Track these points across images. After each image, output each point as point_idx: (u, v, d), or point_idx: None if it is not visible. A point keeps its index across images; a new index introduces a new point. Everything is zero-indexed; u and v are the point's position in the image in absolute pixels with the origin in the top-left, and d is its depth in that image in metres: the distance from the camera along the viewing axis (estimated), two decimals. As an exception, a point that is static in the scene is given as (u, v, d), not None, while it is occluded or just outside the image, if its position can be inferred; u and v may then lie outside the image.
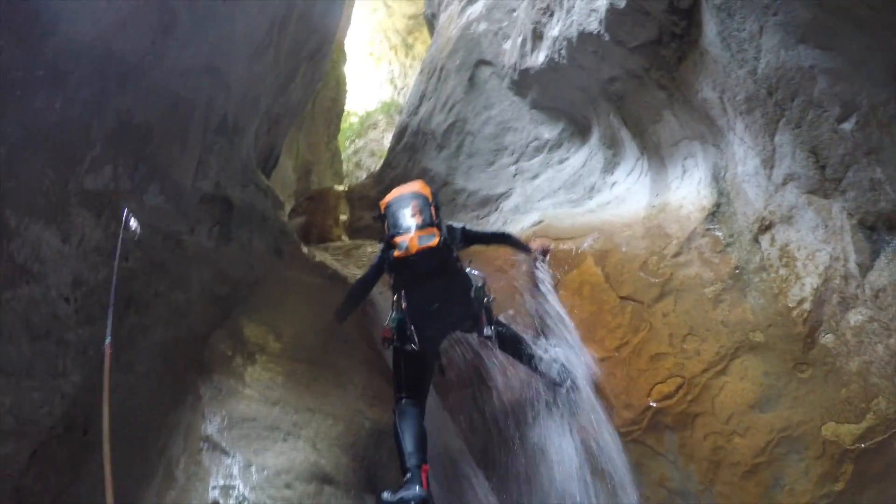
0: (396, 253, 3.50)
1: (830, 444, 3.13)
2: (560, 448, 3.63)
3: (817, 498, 3.11)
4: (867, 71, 2.95)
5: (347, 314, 3.88)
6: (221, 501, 2.66)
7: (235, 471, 2.79)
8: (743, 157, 3.67)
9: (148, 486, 2.77)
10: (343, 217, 7.47)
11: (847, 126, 3.06)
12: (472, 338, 3.98)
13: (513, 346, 3.83)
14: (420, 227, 3.54)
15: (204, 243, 3.79)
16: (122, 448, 2.92)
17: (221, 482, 2.74)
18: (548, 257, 4.36)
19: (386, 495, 2.99)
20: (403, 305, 3.54)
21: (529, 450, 3.70)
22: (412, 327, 3.47)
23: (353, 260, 5.48)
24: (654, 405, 3.59)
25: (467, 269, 3.74)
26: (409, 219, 3.60)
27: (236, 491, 2.70)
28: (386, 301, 4.34)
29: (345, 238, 7.02)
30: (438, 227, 3.62)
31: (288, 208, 7.62)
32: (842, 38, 2.95)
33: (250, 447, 2.93)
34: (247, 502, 2.67)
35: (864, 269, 3.15)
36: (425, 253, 3.49)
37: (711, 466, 3.39)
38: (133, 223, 2.91)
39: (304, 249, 5.05)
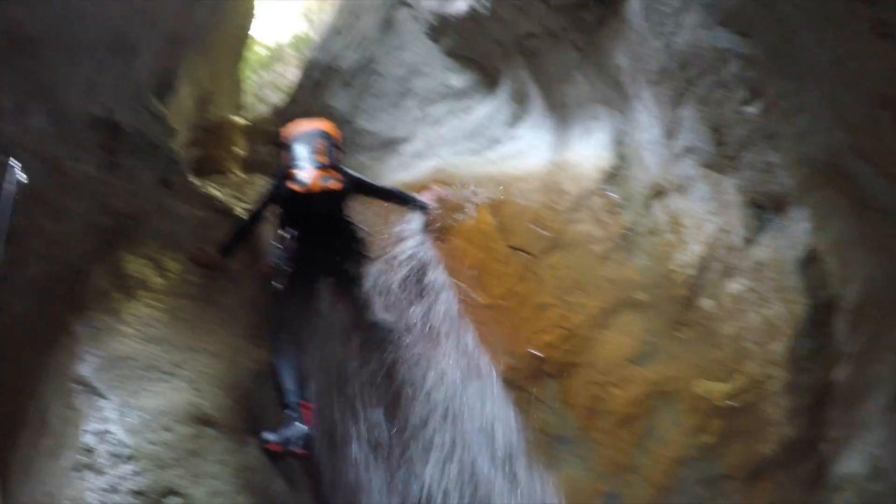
0: (296, 187, 3.38)
1: (701, 400, 3.34)
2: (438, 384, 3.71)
3: (687, 448, 3.33)
4: (779, 62, 3.06)
5: (233, 249, 3.73)
6: (96, 447, 2.52)
7: (111, 414, 2.64)
8: (646, 125, 3.76)
9: (23, 434, 2.59)
10: (240, 151, 7.13)
11: (751, 109, 3.18)
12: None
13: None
14: (323, 167, 3.44)
15: (88, 171, 3.53)
16: None
17: (96, 426, 2.59)
18: (438, 202, 4.33)
19: (269, 435, 2.96)
20: (288, 244, 3.48)
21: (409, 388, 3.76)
22: (293, 265, 3.41)
23: (245, 195, 5.26)
24: (537, 353, 3.70)
25: (353, 221, 3.71)
26: (313, 156, 3.47)
27: (112, 435, 2.57)
28: (273, 235, 4.24)
29: (239, 173, 6.72)
30: (341, 171, 3.53)
31: (184, 138, 7.20)
32: (761, 27, 3.04)
33: (127, 388, 2.78)
34: (123, 447, 2.53)
35: (749, 242, 3.34)
36: (325, 194, 3.40)
37: (589, 414, 3.56)
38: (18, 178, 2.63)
39: (195, 182, 4.78)
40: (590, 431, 3.54)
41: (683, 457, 3.33)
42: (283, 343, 3.33)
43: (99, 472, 2.45)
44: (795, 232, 3.22)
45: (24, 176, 2.72)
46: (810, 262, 3.18)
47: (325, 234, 3.57)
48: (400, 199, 4.21)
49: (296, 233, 3.51)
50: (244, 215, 3.88)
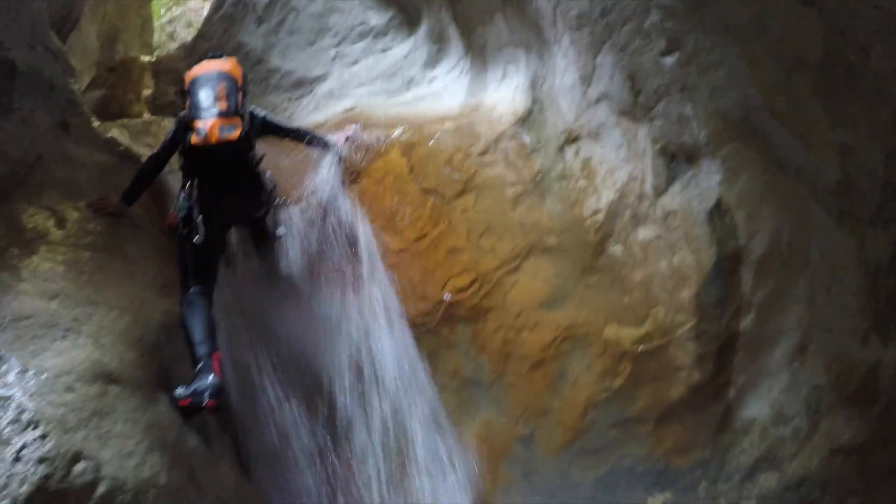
0: (194, 139, 3.23)
1: (611, 345, 3.48)
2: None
3: (598, 391, 3.48)
4: (700, 16, 3.10)
5: (136, 196, 3.55)
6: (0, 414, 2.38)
7: (11, 378, 2.48)
8: (563, 70, 3.75)
9: None
10: (147, 92, 6.74)
11: (669, 60, 3.23)
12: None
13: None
14: (223, 115, 3.27)
15: (-22, 115, 3.24)
16: None
17: (-3, 392, 2.44)
18: (350, 144, 4.25)
19: (180, 391, 2.90)
20: (194, 194, 3.34)
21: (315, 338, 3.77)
22: (200, 217, 3.29)
23: (150, 138, 5.01)
24: (449, 297, 3.75)
25: (261, 168, 3.59)
26: (213, 102, 3.29)
27: (13, 401, 2.42)
28: (178, 183, 4.08)
29: (146, 114, 6.37)
30: (242, 116, 3.36)
31: (88, 80, 6.75)
32: (685, -19, 3.05)
33: (26, 349, 2.62)
34: (26, 412, 2.40)
35: (659, 191, 3.43)
36: (224, 145, 3.26)
37: (502, 358, 3.66)
38: None
39: (96, 124, 4.50)
40: (504, 375, 3.64)
41: (595, 400, 3.48)
42: (193, 295, 3.24)
43: (3, 441, 2.32)
44: (705, 183, 3.32)
45: None
46: (719, 213, 3.30)
47: (231, 184, 3.44)
48: (311, 140, 4.09)
49: (203, 184, 3.36)
50: (146, 161, 3.67)
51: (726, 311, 3.34)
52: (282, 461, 3.40)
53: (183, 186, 3.44)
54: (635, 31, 3.28)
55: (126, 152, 4.21)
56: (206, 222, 3.30)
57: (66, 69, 4.39)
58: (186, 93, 3.39)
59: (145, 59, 7.43)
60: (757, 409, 3.39)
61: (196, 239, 3.27)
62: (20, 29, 3.65)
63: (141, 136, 4.93)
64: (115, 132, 4.58)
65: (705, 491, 3.40)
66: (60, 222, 3.29)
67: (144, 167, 3.61)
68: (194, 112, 3.29)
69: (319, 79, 5.21)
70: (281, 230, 3.75)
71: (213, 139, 3.22)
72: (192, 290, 3.25)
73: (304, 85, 5.27)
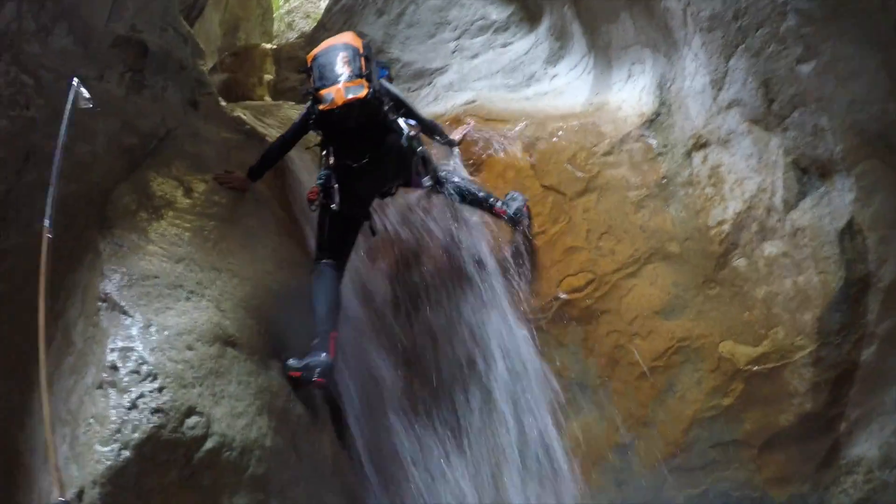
0: (322, 106, 3.26)
1: (725, 362, 3.33)
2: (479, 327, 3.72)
3: (706, 408, 3.35)
4: (839, 23, 2.96)
5: (262, 173, 3.65)
6: (120, 364, 2.50)
7: (134, 332, 2.62)
8: (693, 72, 3.62)
9: (46, 352, 2.59)
10: (268, 77, 7.01)
11: (805, 68, 3.08)
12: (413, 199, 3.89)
13: (460, 191, 3.80)
14: (348, 79, 3.27)
15: (114, 91, 3.46)
16: (20, 315, 2.74)
17: (120, 344, 2.56)
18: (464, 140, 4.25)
19: (292, 361, 2.98)
20: (331, 161, 3.37)
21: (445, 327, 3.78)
22: (337, 185, 3.31)
23: (273, 119, 5.17)
24: (563, 296, 3.70)
25: (399, 120, 3.53)
26: (336, 70, 3.31)
27: (135, 353, 2.55)
28: (304, 163, 4.18)
29: (267, 98, 6.62)
30: (368, 78, 3.35)
31: (211, 64, 7.09)
32: (824, -17, 2.91)
33: (151, 306, 2.75)
34: (146, 365, 2.52)
35: (789, 206, 3.26)
36: (353, 105, 3.24)
37: (610, 363, 3.58)
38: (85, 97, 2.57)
39: (223, 104, 4.70)
40: (610, 381, 3.57)
41: (701, 417, 3.36)
42: (324, 266, 3.30)
43: (121, 389, 2.45)
44: (838, 201, 3.14)
45: (87, 93, 2.66)
46: (850, 234, 3.13)
47: (367, 146, 3.41)
48: (434, 130, 4.04)
49: (339, 150, 3.39)
50: (274, 139, 3.78)
51: (848, 340, 3.15)
52: (385, 444, 3.44)
53: (321, 157, 3.48)
54: (770, 36, 3.14)
55: (251, 131, 4.37)
56: (342, 190, 3.32)
57: (195, 51, 4.61)
58: (309, 70, 3.43)
59: (267, 46, 7.72)
60: (866, 448, 3.20)
61: (333, 206, 3.29)
62: (152, 13, 3.86)
63: (264, 117, 5.10)
64: (241, 112, 4.76)
65: (798, 528, 3.23)
66: (188, 192, 3.45)
67: (272, 146, 3.72)
68: (319, 83, 3.32)
69: (439, 71, 5.25)
70: (426, 181, 3.65)
71: (340, 101, 3.21)
72: (323, 260, 3.32)
73: (423, 76, 5.32)
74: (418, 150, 3.55)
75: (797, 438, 3.26)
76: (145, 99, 3.73)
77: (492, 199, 3.84)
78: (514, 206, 3.81)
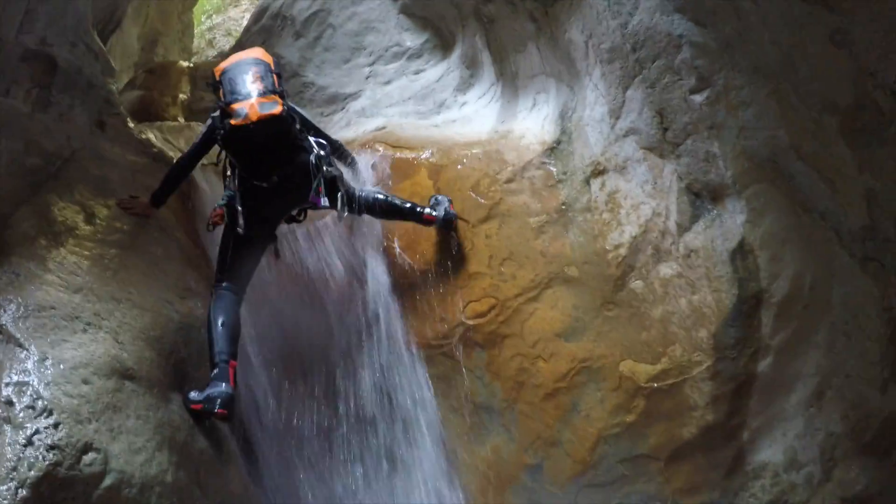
0: (234, 121, 3.17)
1: (626, 380, 3.43)
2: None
3: (610, 426, 3.43)
4: (731, 55, 3.13)
5: (165, 198, 3.54)
6: (15, 399, 2.41)
7: (30, 365, 2.53)
8: (593, 102, 3.77)
9: None
10: (183, 96, 6.87)
11: (698, 98, 3.25)
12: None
13: (383, 206, 3.77)
14: (261, 94, 3.22)
15: (18, 107, 3.36)
16: None
17: (15, 378, 2.47)
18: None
19: (193, 394, 2.92)
20: (236, 183, 3.28)
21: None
22: (241, 207, 3.23)
23: (183, 141, 5.08)
24: (467, 322, 3.75)
25: (309, 139, 3.49)
26: (248, 85, 3.24)
27: (30, 388, 2.46)
28: (211, 185, 4.12)
29: (181, 118, 6.48)
30: (281, 95, 3.32)
31: (126, 80, 6.90)
32: (717, 18, 3.09)
33: (47, 338, 2.67)
34: (41, 399, 2.44)
35: (682, 229, 3.42)
36: (267, 121, 3.18)
37: (516, 386, 3.63)
38: None
39: (131, 125, 4.59)
40: (516, 403, 3.62)
41: (606, 434, 3.44)
42: (224, 289, 3.22)
43: (17, 426, 2.35)
44: (729, 223, 3.30)
45: None
46: (741, 253, 3.27)
47: (278, 166, 3.34)
48: (342, 153, 4.03)
49: (247, 170, 3.30)
50: (175, 163, 3.67)
51: (744, 353, 3.30)
52: (290, 471, 3.40)
53: (225, 177, 3.38)
54: (666, 67, 3.30)
55: (159, 154, 4.30)
56: (247, 213, 3.25)
57: (106, 69, 4.50)
58: (218, 84, 3.35)
59: (184, 63, 7.57)
60: (770, 453, 3.34)
61: (238, 229, 3.21)
62: (64, 27, 3.75)
63: (175, 139, 5.02)
64: (150, 133, 4.67)
65: (712, 534, 3.34)
66: (90, 218, 3.36)
67: (172, 169, 3.61)
68: (230, 97, 3.24)
69: (352, 96, 5.29)
70: (325, 201, 3.50)
71: (255, 116, 3.15)
72: (224, 284, 3.24)
73: (337, 101, 5.35)
74: (326, 169, 3.48)
75: (702, 449, 3.37)
76: (51, 117, 3.63)
77: (418, 208, 3.81)
78: (442, 208, 3.81)
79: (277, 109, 3.23)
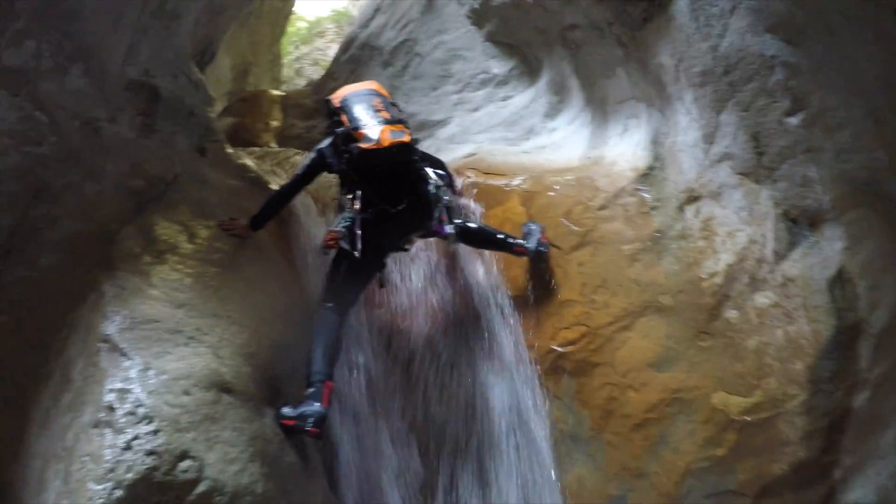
0: (363, 145, 3.21)
1: (718, 412, 3.31)
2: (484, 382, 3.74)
3: (699, 459, 3.31)
4: (826, 74, 3.04)
5: (265, 222, 3.64)
6: (117, 405, 2.54)
7: (133, 374, 2.66)
8: (685, 127, 3.71)
9: (45, 388, 2.62)
10: (275, 123, 7.16)
11: (793, 121, 3.15)
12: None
13: (479, 236, 3.83)
14: (389, 122, 3.29)
15: (124, 133, 3.55)
16: (21, 348, 2.80)
17: (118, 385, 2.60)
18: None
19: (286, 410, 2.97)
20: (357, 206, 3.28)
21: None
22: (360, 231, 3.23)
23: (278, 167, 5.27)
24: (558, 349, 3.71)
25: (427, 169, 3.53)
26: (374, 113, 3.31)
27: (132, 395, 2.58)
28: (306, 210, 4.23)
29: (273, 145, 6.74)
30: (406, 125, 3.39)
31: (220, 108, 7.25)
32: (809, 37, 3.02)
33: (150, 350, 2.80)
34: (142, 407, 2.56)
35: (779, 256, 3.30)
36: (397, 148, 3.23)
37: (604, 415, 3.56)
38: None
39: (229, 150, 4.80)
40: (603, 432, 3.54)
41: (694, 468, 3.31)
42: (328, 311, 3.26)
43: (117, 430, 2.48)
44: (827, 250, 3.17)
45: None
46: (840, 282, 3.14)
47: (402, 193, 3.36)
48: (447, 174, 4.01)
49: (371, 195, 3.31)
50: (279, 187, 3.78)
51: (840, 387, 3.14)
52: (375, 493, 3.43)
53: (346, 200, 3.37)
54: (759, 90, 3.23)
55: (256, 178, 4.46)
56: (371, 237, 3.26)
57: (205, 98, 4.73)
58: (338, 111, 3.41)
59: (275, 92, 7.89)
60: (862, 493, 3.15)
61: (356, 253, 3.21)
62: (164, 59, 3.96)
63: (269, 164, 5.21)
64: (247, 159, 4.86)
65: (798, 577, 3.17)
66: (191, 237, 3.51)
67: (275, 195, 3.71)
68: (356, 123, 3.28)
69: (441, 123, 5.38)
70: (449, 228, 3.52)
71: (387, 142, 3.19)
72: (329, 305, 3.27)
73: (426, 128, 5.45)
74: (444, 199, 3.51)
75: (792, 486, 3.22)
76: (155, 143, 3.82)
77: (510, 239, 3.84)
78: (534, 239, 3.82)
79: (407, 138, 3.29)
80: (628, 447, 3.46)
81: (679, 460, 3.34)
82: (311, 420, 2.91)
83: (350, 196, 3.34)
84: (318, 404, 2.95)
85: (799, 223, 3.26)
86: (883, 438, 3.15)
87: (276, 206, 3.68)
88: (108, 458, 2.40)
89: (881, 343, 3.09)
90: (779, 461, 3.21)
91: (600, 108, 4.47)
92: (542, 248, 3.82)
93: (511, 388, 3.72)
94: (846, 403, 3.14)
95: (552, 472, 3.59)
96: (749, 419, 3.25)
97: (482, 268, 4.08)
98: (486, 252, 4.09)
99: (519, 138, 4.93)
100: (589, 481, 3.53)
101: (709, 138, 3.54)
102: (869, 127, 3.01)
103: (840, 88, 3.01)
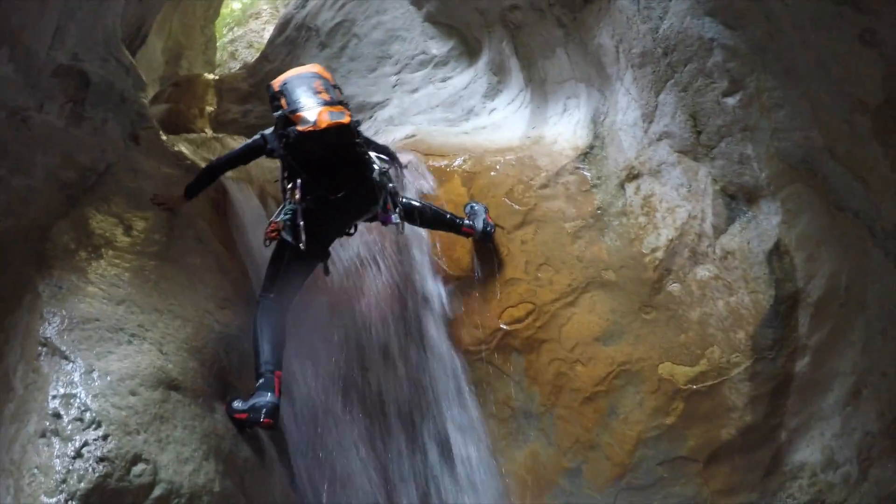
0: (301, 127, 3.13)
1: (665, 382, 3.43)
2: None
3: (649, 428, 3.43)
4: (763, 57, 3.13)
5: (200, 190, 3.57)
6: (63, 412, 2.44)
7: (76, 377, 2.55)
8: (625, 107, 3.77)
9: None
10: (210, 108, 6.94)
11: (731, 101, 3.24)
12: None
13: (427, 217, 3.80)
14: (328, 104, 3.23)
15: (53, 122, 3.37)
16: None
17: (62, 391, 2.50)
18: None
19: (237, 404, 2.93)
20: (297, 196, 3.22)
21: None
22: (302, 222, 3.18)
23: (213, 153, 5.12)
24: (504, 328, 3.76)
25: (370, 154, 3.49)
26: (314, 95, 3.25)
27: (78, 400, 2.48)
28: (246, 198, 4.15)
29: (208, 130, 6.55)
30: (347, 106, 3.32)
31: (153, 94, 6.99)
32: (748, 21, 3.10)
33: (92, 350, 2.69)
34: (89, 412, 2.46)
35: (719, 231, 3.41)
36: (335, 130, 3.16)
37: (554, 390, 3.63)
38: None
39: (164, 137, 4.64)
40: (555, 408, 3.62)
41: (645, 437, 3.42)
42: (270, 301, 3.21)
43: (65, 438, 2.39)
44: (765, 224, 3.29)
45: None
46: (778, 254, 3.26)
47: (343, 179, 3.31)
48: (392, 156, 4.09)
49: (311, 183, 3.26)
50: (218, 158, 3.69)
51: (781, 353, 3.29)
52: (330, 477, 3.42)
53: (286, 190, 3.33)
54: (698, 71, 3.30)
55: (192, 166, 4.32)
56: (314, 226, 3.22)
57: (137, 83, 4.53)
58: (278, 94, 3.35)
59: (209, 76, 7.65)
60: (808, 453, 3.32)
61: (301, 245, 3.17)
62: (95, 42, 3.77)
63: (205, 150, 5.06)
64: (181, 146, 4.71)
65: (751, 535, 3.32)
66: (127, 230, 3.39)
67: (209, 166, 3.62)
68: (294, 106, 3.22)
69: (380, 105, 5.33)
70: (395, 218, 3.49)
71: (324, 123, 3.13)
72: (271, 296, 3.22)
73: (364, 110, 5.39)
74: (388, 185, 3.48)
75: (741, 450, 3.36)
76: (85, 132, 3.64)
77: (458, 220, 3.85)
78: (480, 220, 3.84)
79: (346, 119, 3.23)
80: (580, 420, 3.55)
81: (630, 430, 3.44)
82: (263, 411, 2.86)
83: (290, 185, 3.30)
84: (270, 394, 2.91)
85: (737, 199, 3.37)
86: (825, 401, 3.31)
87: (209, 176, 3.62)
88: (59, 468, 2.32)
89: (818, 311, 3.24)
90: (727, 426, 3.34)
91: (540, 89, 4.50)
92: (489, 229, 3.85)
93: (447, 369, 3.77)
94: (788, 369, 3.28)
95: (488, 451, 3.67)
96: (695, 387, 3.36)
97: (419, 251, 4.08)
98: (424, 234, 4.07)
99: (459, 119, 4.93)
100: (543, 456, 3.61)
101: (648, 117, 3.61)
102: (805, 108, 3.11)
103: (777, 71, 3.10)
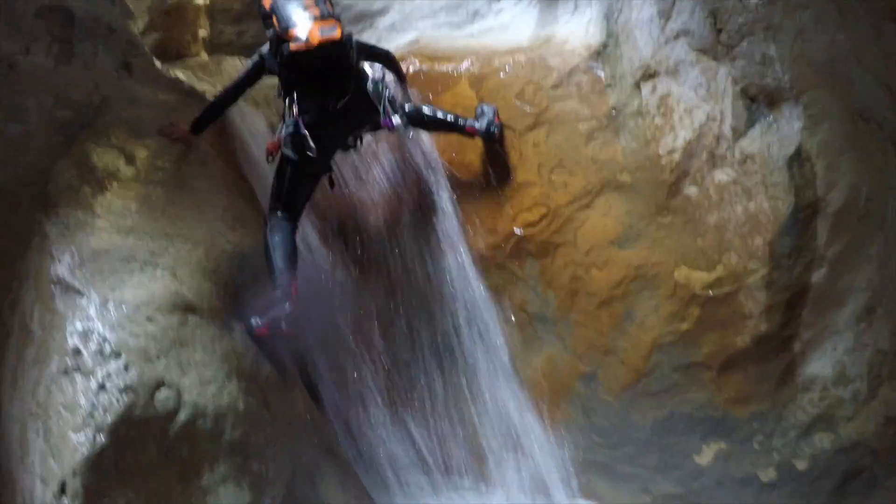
0: (293, 46, 3.12)
1: (681, 287, 3.40)
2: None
3: (665, 333, 3.42)
4: (789, -48, 2.93)
5: (206, 125, 3.54)
6: (82, 347, 2.46)
7: (92, 311, 2.56)
8: (640, 3, 3.58)
9: (6, 347, 2.51)
10: (203, 33, 6.70)
11: (753, -1, 3.05)
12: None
13: (429, 119, 3.79)
14: (319, 19, 3.18)
15: (42, 64, 3.27)
16: None
17: (79, 326, 2.52)
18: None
19: (255, 320, 2.96)
20: (295, 111, 3.24)
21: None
22: (307, 133, 3.20)
23: (212, 77, 4.98)
24: (518, 232, 3.74)
25: (364, 64, 3.49)
26: (304, 10, 3.19)
27: (96, 333, 2.51)
28: (243, 117, 4.06)
29: (204, 55, 6.34)
30: (338, 19, 3.28)
31: (142, 25, 6.74)
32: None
33: (105, 283, 2.69)
34: (108, 343, 2.48)
35: (738, 134, 3.29)
36: (328, 46, 3.15)
37: (569, 295, 3.64)
38: None
39: (158, 64, 4.50)
40: (570, 312, 3.63)
41: (661, 342, 3.43)
42: (279, 219, 3.24)
43: (87, 373, 2.42)
44: (786, 129, 3.17)
45: None
46: (798, 161, 3.16)
47: (339, 91, 3.31)
48: (393, 64, 4.02)
49: (308, 97, 3.27)
50: (221, 92, 3.64)
51: (799, 263, 3.22)
52: (347, 386, 3.49)
53: (284, 107, 3.35)
54: (718, -36, 3.13)
55: (191, 90, 4.21)
56: (313, 139, 3.21)
57: (124, 12, 4.37)
58: (270, 13, 3.29)
59: (199, 0, 7.37)
60: (820, 366, 3.29)
61: (310, 153, 3.20)
62: (75, -25, 3.63)
63: (202, 75, 4.92)
64: (178, 72, 4.57)
65: (759, 444, 3.35)
66: (130, 160, 3.34)
67: (218, 97, 3.59)
68: (286, 23, 3.19)
69: (380, 12, 5.09)
70: (396, 119, 3.47)
71: (315, 41, 3.12)
72: (279, 213, 3.27)
73: (364, 18, 5.15)
74: (384, 92, 3.45)
75: (754, 359, 3.35)
76: (76, 68, 3.55)
77: (461, 120, 3.80)
78: (486, 120, 3.77)
79: (337, 33, 3.19)
80: (595, 325, 3.56)
81: (645, 335, 3.45)
82: (283, 322, 2.92)
83: (287, 100, 3.31)
84: (288, 304, 2.95)
85: (757, 101, 3.24)
86: (840, 315, 3.25)
87: (217, 110, 3.57)
88: (83, 403, 2.36)
89: (837, 222, 3.16)
90: (741, 334, 3.32)
91: (549, -14, 4.28)
92: (493, 129, 3.77)
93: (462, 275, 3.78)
94: (805, 279, 3.23)
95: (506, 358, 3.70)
96: (711, 293, 3.33)
97: (428, 157, 4.04)
98: (431, 139, 4.02)
99: (464, 22, 4.71)
100: (559, 360, 3.65)
101: (665, 14, 3.44)
102: (831, 9, 2.97)
103: (802, -32, 2.94)
